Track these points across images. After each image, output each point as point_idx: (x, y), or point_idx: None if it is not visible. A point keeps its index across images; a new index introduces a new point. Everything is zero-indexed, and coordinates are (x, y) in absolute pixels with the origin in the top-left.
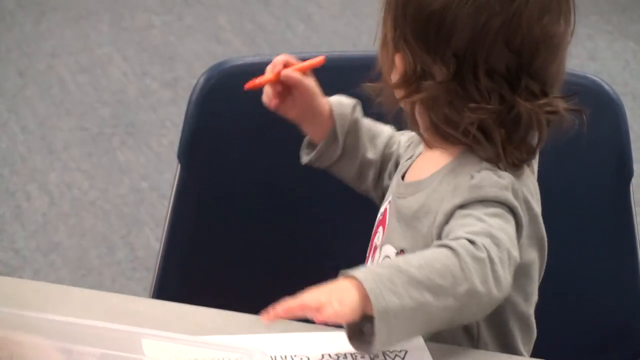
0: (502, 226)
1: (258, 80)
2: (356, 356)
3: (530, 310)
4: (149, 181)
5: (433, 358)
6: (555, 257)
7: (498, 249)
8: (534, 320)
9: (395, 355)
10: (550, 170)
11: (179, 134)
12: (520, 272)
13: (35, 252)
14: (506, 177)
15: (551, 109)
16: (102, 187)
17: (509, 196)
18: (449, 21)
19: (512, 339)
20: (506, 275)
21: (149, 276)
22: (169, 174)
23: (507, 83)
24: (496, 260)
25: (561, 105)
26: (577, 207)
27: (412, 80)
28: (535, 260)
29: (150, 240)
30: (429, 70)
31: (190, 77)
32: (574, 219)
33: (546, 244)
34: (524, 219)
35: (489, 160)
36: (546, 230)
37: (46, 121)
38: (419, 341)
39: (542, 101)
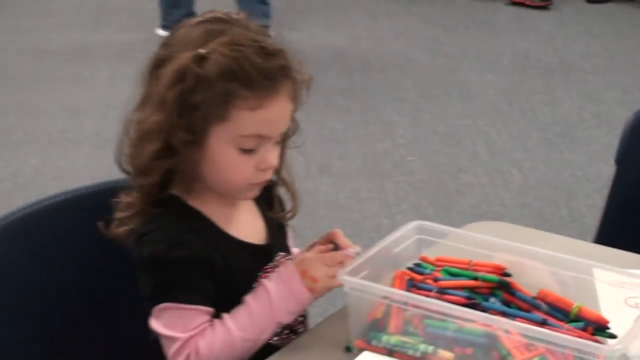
0: None
1: None
2: None
3: None
4: (583, 171)
5: None
6: None
7: None
8: None
9: None
10: None
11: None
12: None
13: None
14: None
15: None
16: (555, 171)
17: None
18: None
19: None
20: None
21: (584, 227)
22: (595, 167)
23: None
24: None
25: None
26: None
27: None
28: None
29: (585, 205)
30: None
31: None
32: None
33: None
34: None
35: None
36: None
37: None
38: None
39: None
